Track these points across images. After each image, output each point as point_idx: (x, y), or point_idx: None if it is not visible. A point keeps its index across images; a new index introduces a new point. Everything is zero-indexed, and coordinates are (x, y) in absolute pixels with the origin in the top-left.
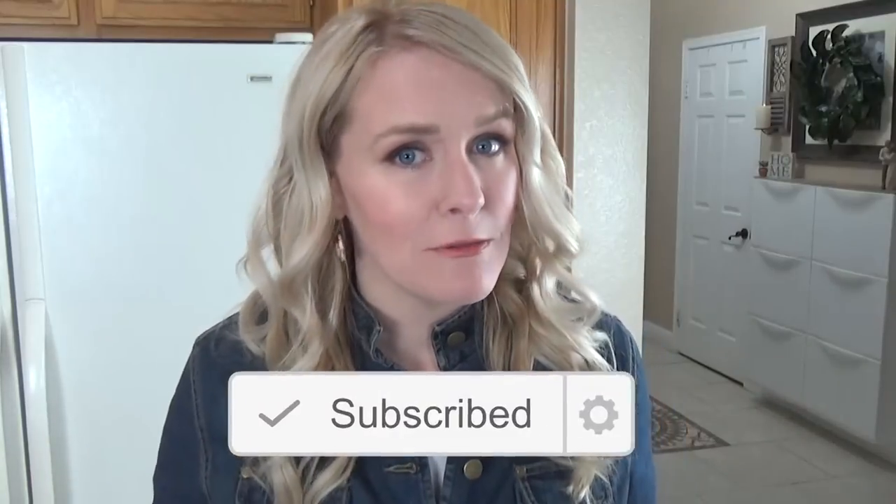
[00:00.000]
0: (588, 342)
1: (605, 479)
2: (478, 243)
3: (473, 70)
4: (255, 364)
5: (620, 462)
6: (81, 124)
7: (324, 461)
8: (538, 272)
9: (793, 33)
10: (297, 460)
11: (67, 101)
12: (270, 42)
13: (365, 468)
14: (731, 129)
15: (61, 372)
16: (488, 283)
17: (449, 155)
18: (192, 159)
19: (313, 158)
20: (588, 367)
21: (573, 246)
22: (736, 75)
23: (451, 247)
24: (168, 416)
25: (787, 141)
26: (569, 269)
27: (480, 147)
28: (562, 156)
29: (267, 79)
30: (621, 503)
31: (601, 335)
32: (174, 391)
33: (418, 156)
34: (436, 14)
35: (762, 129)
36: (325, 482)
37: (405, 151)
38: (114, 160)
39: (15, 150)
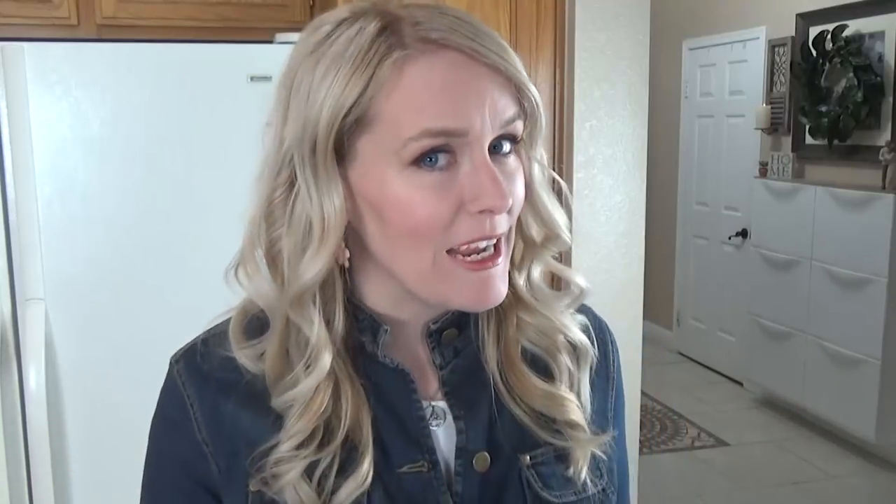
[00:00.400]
0: (573, 324)
1: (602, 456)
2: (496, 255)
3: (496, 72)
4: (256, 382)
5: (614, 444)
6: (81, 124)
7: (343, 470)
8: (522, 261)
9: (793, 33)
10: (309, 476)
11: (67, 101)
12: (270, 42)
13: (378, 472)
14: (731, 129)
15: (61, 371)
16: (504, 290)
17: (475, 158)
18: (191, 159)
19: (328, 166)
20: (573, 348)
21: (567, 235)
22: (736, 75)
23: (470, 253)
24: (154, 442)
25: (787, 141)
26: (558, 258)
27: (493, 147)
28: (562, 156)
29: (267, 79)
30: (613, 483)
31: (582, 317)
32: (156, 416)
33: (442, 158)
34: (449, 16)
35: (762, 129)
36: (349, 492)
37: (430, 155)
38: (114, 160)
39: (15, 150)
